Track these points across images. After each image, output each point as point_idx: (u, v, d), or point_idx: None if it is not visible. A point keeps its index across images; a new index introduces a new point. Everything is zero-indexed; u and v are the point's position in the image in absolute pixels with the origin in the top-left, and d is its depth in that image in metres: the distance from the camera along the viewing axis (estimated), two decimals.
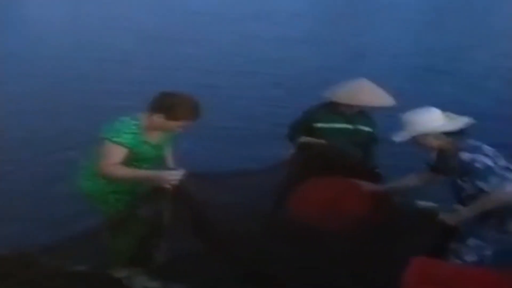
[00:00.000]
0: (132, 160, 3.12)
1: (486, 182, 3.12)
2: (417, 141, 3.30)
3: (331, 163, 3.69)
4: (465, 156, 3.18)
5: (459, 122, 3.28)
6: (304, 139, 3.81)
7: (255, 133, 6.71)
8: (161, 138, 3.26)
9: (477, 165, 3.14)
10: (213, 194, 3.24)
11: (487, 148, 3.22)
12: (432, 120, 3.29)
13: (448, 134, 3.25)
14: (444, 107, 3.36)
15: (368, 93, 3.85)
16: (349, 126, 3.92)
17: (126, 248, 3.30)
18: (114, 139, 3.04)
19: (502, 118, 7.64)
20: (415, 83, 9.67)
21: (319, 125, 3.90)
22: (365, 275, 3.20)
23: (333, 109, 3.92)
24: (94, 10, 17.27)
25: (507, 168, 3.20)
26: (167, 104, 3.07)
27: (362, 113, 3.99)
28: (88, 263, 3.27)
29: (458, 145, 3.23)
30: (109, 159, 3.04)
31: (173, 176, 3.01)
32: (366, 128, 3.98)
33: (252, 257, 3.23)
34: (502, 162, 3.22)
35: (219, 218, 3.20)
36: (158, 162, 3.32)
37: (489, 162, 3.16)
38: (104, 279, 3.29)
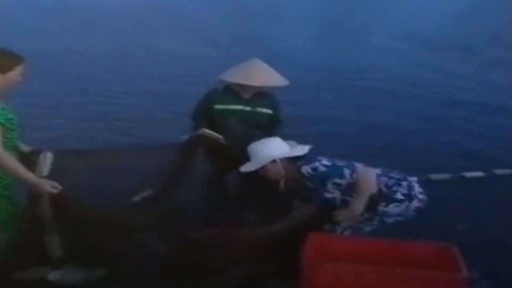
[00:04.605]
0: (5, 134, 2.99)
1: (343, 176, 3.27)
2: (266, 170, 3.41)
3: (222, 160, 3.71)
4: (305, 169, 3.31)
5: (304, 148, 3.45)
6: (202, 130, 3.69)
7: None
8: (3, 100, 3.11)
9: (322, 168, 3.28)
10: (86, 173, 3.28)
11: (316, 157, 3.37)
12: (279, 147, 3.45)
13: (291, 159, 3.40)
14: None
15: (260, 74, 3.84)
16: (247, 108, 3.91)
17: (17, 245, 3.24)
18: None
19: None
20: None
21: (217, 106, 3.90)
22: None
23: (231, 91, 3.93)
24: None
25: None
26: None
27: (262, 95, 3.98)
28: None
29: (298, 168, 3.36)
30: None
31: (51, 187, 3.00)
32: (265, 110, 3.97)
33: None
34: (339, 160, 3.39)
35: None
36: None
37: (328, 162, 3.32)
38: None
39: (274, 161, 3.38)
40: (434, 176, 5.19)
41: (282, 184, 3.46)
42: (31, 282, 3.29)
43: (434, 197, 3.59)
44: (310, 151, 3.47)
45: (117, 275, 3.31)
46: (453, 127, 7.00)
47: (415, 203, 3.32)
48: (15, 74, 3.01)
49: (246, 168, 3.44)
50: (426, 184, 4.29)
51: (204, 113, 3.93)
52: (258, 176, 3.45)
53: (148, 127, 6.37)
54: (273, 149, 3.43)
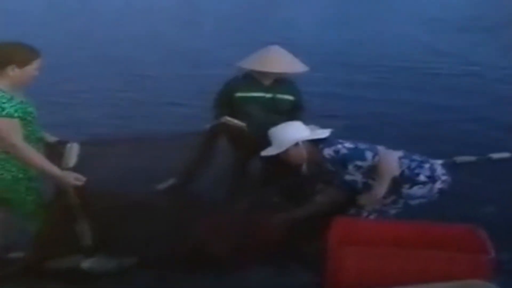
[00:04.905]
0: (27, 127, 3.02)
1: (365, 159, 3.24)
2: (288, 153, 3.39)
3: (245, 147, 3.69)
4: (327, 152, 3.28)
5: (325, 131, 3.42)
6: (225, 118, 3.67)
7: None
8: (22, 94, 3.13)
9: (344, 151, 3.26)
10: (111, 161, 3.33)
11: (337, 140, 3.36)
12: (300, 130, 3.44)
13: (312, 142, 3.38)
14: None
15: (279, 60, 3.82)
16: (268, 95, 3.89)
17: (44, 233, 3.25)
18: (2, 113, 2.88)
19: None
20: None
21: (238, 94, 3.90)
22: None
23: (251, 79, 3.92)
24: None
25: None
26: (9, 54, 2.98)
27: (282, 82, 3.96)
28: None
29: (319, 151, 3.34)
30: (13, 134, 2.90)
31: (76, 180, 3.02)
32: (287, 97, 3.95)
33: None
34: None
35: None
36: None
37: (350, 145, 3.29)
38: None
39: (296, 144, 3.37)
40: (460, 159, 5.13)
41: (304, 167, 3.45)
42: (64, 271, 3.34)
43: (460, 179, 3.57)
44: (331, 134, 3.46)
45: (147, 264, 3.35)
46: (475, 111, 6.92)
47: (438, 185, 3.30)
48: (32, 68, 3.04)
49: (268, 152, 3.43)
50: (451, 166, 4.27)
51: (225, 101, 3.94)
52: (280, 160, 3.45)
53: (170, 117, 6.45)
54: (295, 132, 3.43)
